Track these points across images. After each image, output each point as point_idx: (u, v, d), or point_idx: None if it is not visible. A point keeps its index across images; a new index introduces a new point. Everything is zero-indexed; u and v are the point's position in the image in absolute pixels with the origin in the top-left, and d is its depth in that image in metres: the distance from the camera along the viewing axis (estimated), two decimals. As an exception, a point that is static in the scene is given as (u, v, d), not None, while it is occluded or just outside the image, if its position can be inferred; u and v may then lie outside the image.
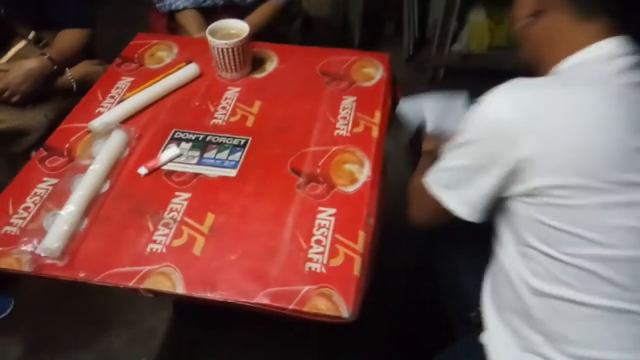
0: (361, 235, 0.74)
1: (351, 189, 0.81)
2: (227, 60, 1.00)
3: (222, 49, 0.98)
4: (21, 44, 1.33)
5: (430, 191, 0.77)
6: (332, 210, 0.77)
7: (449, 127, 0.95)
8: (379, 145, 0.89)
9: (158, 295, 0.70)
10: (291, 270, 0.70)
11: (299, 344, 1.30)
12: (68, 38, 1.35)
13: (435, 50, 2.27)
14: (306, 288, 0.67)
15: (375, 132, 0.91)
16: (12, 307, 1.43)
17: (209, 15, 1.42)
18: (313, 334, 1.25)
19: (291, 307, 0.66)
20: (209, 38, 0.98)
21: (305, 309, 0.65)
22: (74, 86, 1.37)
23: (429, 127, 0.97)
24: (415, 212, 0.85)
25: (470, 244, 0.96)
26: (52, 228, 0.72)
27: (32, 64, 1.27)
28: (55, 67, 1.31)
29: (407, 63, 2.39)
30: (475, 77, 2.24)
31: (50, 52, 1.31)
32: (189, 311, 1.36)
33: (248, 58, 1.03)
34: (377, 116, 0.94)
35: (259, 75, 1.05)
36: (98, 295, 1.40)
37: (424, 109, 1.00)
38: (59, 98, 1.37)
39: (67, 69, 1.36)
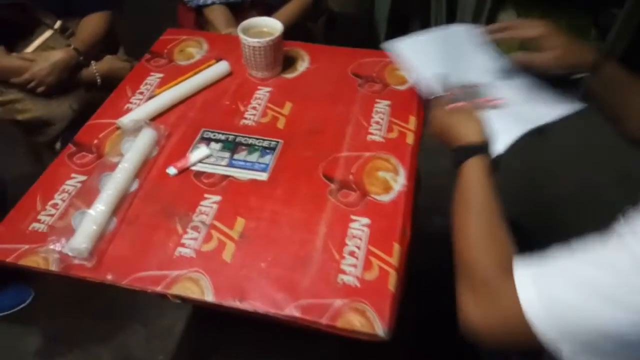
0: (396, 248, 0.71)
1: (385, 198, 0.78)
2: (258, 59, 0.97)
3: (254, 48, 0.96)
4: (47, 33, 1.32)
5: (531, 324, 0.48)
6: (366, 220, 0.74)
7: (469, 75, 0.81)
8: (414, 153, 0.86)
9: (186, 301, 0.68)
10: (323, 281, 0.67)
11: (320, 351, 1.28)
12: (91, 24, 1.35)
13: (462, 52, 2.22)
14: (339, 302, 0.65)
15: (410, 139, 0.88)
16: (31, 298, 1.44)
17: (237, 11, 1.39)
18: (334, 342, 1.22)
19: (323, 321, 0.63)
20: (241, 36, 0.96)
21: (338, 324, 0.63)
22: (99, 80, 1.36)
23: (439, 80, 0.81)
24: (483, 320, 0.54)
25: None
26: (80, 227, 0.71)
27: (58, 55, 1.27)
28: (81, 57, 1.30)
29: (432, 64, 2.35)
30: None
31: (75, 42, 1.31)
32: (208, 311, 1.35)
33: (280, 57, 1.00)
34: (412, 122, 0.91)
35: (290, 75, 1.03)
36: (117, 290, 1.40)
37: (424, 51, 0.85)
38: (83, 90, 1.37)
39: (93, 62, 1.36)
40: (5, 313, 1.41)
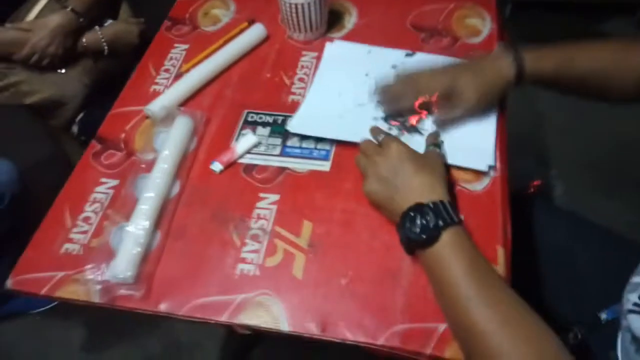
0: (501, 253, 0.58)
1: (478, 186, 0.64)
2: (300, 19, 0.81)
3: (295, 5, 0.79)
4: (43, 1, 1.17)
5: None
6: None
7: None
8: (503, 125, 0.71)
9: (257, 331, 0.57)
10: (420, 300, 0.56)
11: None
12: None
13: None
14: (443, 326, 0.53)
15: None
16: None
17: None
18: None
19: (428, 352, 0.52)
20: (278, -9, 0.79)
21: (447, 355, 0.52)
22: (106, 48, 1.22)
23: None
24: None
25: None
26: (121, 249, 0.59)
27: (56, 20, 1.13)
28: (81, 19, 1.15)
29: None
30: (546, 12, 1.97)
31: (72, 2, 1.15)
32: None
33: (325, 14, 0.84)
34: (495, 85, 0.75)
35: (337, 35, 0.86)
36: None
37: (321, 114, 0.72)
38: (90, 61, 1.23)
39: (97, 27, 1.21)
40: (47, 307, 1.35)
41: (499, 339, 0.46)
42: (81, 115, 1.22)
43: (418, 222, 0.53)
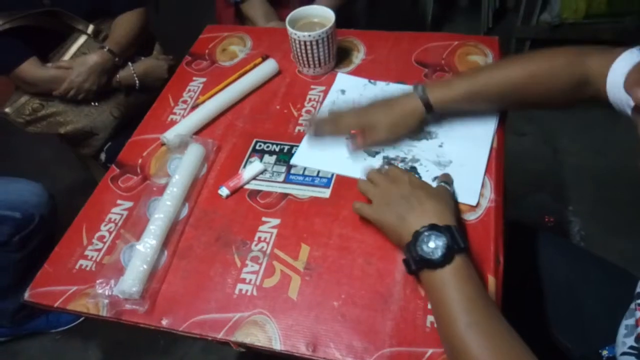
0: (491, 282, 0.60)
1: (471, 216, 0.66)
2: (310, 55, 0.86)
3: (304, 42, 0.84)
4: (81, 39, 1.27)
5: None
6: (452, 244, 0.63)
7: None
8: (500, 158, 0.73)
9: (251, 349, 0.59)
10: (409, 324, 0.57)
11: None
12: (124, 23, 1.28)
13: (521, 21, 2.04)
14: (430, 351, 0.55)
15: (493, 141, 0.75)
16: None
17: (278, 2, 1.28)
18: None
19: (414, 375, 0.53)
20: (289, 30, 0.85)
21: (433, 379, 0.53)
22: (137, 83, 1.30)
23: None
24: None
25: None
26: (130, 267, 0.63)
27: (93, 59, 1.21)
28: (117, 59, 1.24)
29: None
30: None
31: (109, 43, 1.24)
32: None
33: (333, 50, 0.89)
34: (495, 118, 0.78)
35: (345, 70, 0.91)
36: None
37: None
38: (122, 95, 1.31)
39: (130, 63, 1.29)
40: (67, 327, 1.40)
41: None
42: (109, 144, 1.30)
43: (432, 243, 0.54)
